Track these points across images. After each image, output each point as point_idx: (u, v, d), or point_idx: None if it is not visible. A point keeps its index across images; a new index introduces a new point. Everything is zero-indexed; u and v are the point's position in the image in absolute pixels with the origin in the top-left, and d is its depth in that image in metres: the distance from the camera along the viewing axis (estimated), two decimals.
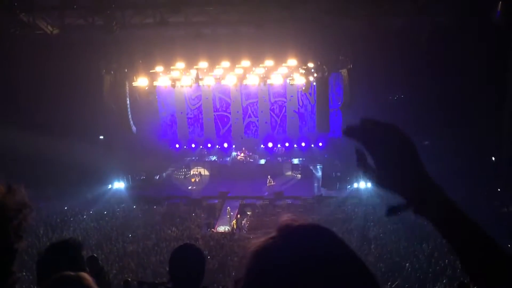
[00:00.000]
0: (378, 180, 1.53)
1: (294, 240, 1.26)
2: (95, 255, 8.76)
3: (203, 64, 30.15)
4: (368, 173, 1.55)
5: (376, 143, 1.50)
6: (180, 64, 30.15)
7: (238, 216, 26.39)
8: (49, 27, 24.88)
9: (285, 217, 1.34)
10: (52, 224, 23.81)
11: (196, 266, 3.88)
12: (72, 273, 2.45)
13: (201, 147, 36.74)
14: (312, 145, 35.46)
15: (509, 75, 25.39)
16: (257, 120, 37.16)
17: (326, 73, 30.22)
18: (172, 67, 30.81)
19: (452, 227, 1.48)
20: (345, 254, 1.28)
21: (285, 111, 36.67)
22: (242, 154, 34.32)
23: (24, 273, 14.94)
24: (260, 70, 31.52)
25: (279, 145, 36.16)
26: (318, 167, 33.57)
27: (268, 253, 1.25)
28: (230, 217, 26.56)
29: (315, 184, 31.24)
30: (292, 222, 1.31)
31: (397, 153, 1.49)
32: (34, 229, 22.98)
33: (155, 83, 33.37)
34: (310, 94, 34.16)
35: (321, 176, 32.10)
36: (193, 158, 35.85)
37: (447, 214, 1.48)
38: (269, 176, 30.20)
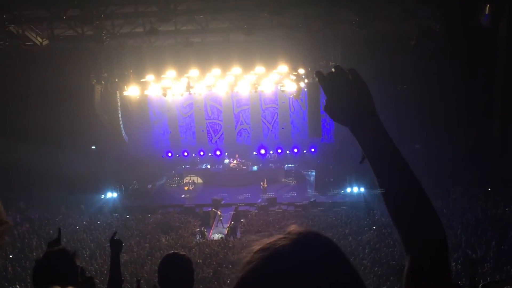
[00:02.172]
0: (328, 110, 1.80)
1: (306, 247, 1.32)
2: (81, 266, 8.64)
3: (194, 72, 30.15)
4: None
5: (332, 81, 1.82)
6: (170, 73, 30.14)
7: (232, 223, 26.38)
8: (39, 38, 24.85)
9: (294, 225, 1.41)
10: (45, 236, 23.66)
11: (184, 274, 3.91)
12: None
13: (193, 155, 36.68)
14: (305, 151, 35.52)
15: (498, 75, 25.56)
16: (249, 127, 37.18)
17: (317, 79, 30.29)
18: (163, 76, 30.78)
19: (377, 149, 1.72)
20: (345, 268, 1.34)
21: (277, 118, 36.72)
22: (235, 161, 34.29)
23: (18, 286, 14.86)
24: (251, 77, 31.55)
25: (271, 152, 36.16)
26: (311, 172, 33.61)
27: (279, 256, 1.30)
28: (221, 221, 26.70)
29: (308, 190, 31.22)
30: (303, 229, 1.38)
31: (344, 87, 1.79)
32: (28, 241, 22.88)
33: (146, 92, 33.27)
34: (301, 100, 34.20)
35: (314, 182, 32.12)
36: (186, 166, 35.78)
37: (375, 138, 1.73)
38: (262, 182, 30.22)
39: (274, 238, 1.36)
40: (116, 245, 4.75)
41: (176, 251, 4.19)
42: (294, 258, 1.29)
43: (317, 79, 1.84)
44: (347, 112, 1.77)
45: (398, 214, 1.68)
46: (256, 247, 1.35)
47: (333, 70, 1.83)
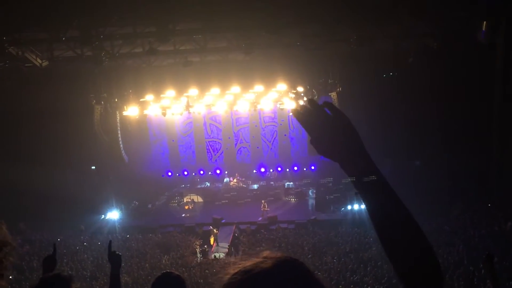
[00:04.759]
0: (314, 145, 1.81)
1: (285, 273, 1.41)
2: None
3: (193, 91, 30.26)
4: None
5: (311, 117, 1.78)
6: (170, 92, 30.26)
7: (233, 241, 26.26)
8: (38, 60, 24.96)
9: (268, 251, 1.51)
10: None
11: None
12: None
13: (193, 174, 36.67)
14: (305, 169, 35.53)
15: (496, 91, 25.61)
16: (249, 145, 37.21)
17: (316, 97, 30.40)
18: (162, 95, 30.89)
19: (370, 187, 1.75)
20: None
21: (277, 136, 36.77)
22: (235, 180, 34.25)
23: None
24: (250, 96, 31.64)
25: (271, 170, 36.16)
26: (311, 190, 33.56)
27: (260, 279, 1.38)
28: (217, 240, 26.56)
29: (309, 208, 31.14)
30: (280, 255, 1.49)
31: (331, 128, 1.78)
32: (28, 262, 22.75)
33: (145, 112, 33.36)
34: None
35: (314, 200, 32.04)
36: (186, 185, 35.75)
37: (365, 173, 1.76)
38: (263, 201, 30.13)
39: (252, 261, 1.44)
40: (115, 259, 4.72)
41: (168, 270, 4.16)
42: (273, 283, 1.37)
43: (293, 116, 1.84)
44: (333, 149, 1.79)
45: (391, 246, 1.73)
46: (234, 269, 1.43)
47: (307, 104, 1.83)
